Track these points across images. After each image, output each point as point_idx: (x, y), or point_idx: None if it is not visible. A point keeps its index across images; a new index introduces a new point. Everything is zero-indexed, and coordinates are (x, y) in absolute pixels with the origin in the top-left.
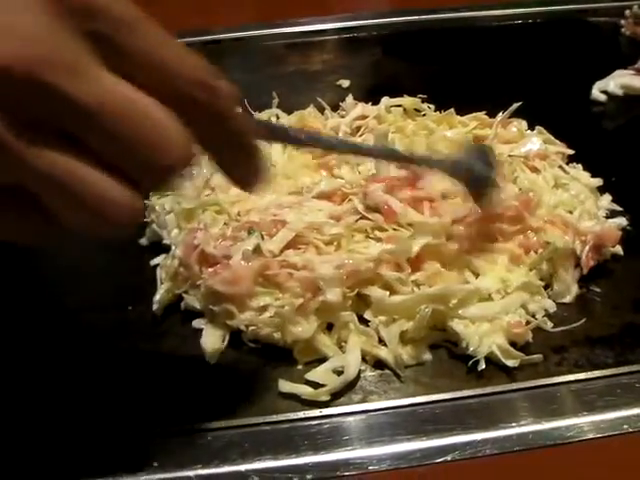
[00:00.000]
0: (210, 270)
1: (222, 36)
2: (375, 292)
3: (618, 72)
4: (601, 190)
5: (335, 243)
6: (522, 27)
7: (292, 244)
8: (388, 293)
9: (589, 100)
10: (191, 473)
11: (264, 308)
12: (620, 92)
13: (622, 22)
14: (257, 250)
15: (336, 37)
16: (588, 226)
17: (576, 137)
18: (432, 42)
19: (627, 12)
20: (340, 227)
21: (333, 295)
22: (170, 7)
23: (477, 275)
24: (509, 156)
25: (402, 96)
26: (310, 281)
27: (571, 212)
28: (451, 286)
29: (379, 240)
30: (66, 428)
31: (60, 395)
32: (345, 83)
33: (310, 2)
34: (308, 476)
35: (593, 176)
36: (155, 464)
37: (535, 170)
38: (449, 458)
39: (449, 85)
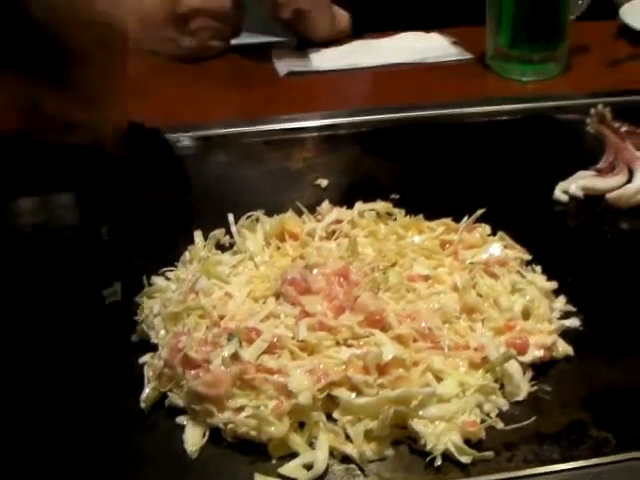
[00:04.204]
0: (192, 372)
1: (210, 132)
2: (343, 394)
3: (580, 173)
4: (558, 291)
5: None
6: (493, 124)
7: (269, 349)
8: (355, 395)
9: (553, 200)
10: None
11: (241, 409)
12: (580, 194)
13: (587, 120)
14: (235, 356)
15: (316, 134)
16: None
17: (537, 239)
18: (406, 139)
19: (592, 110)
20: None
21: (304, 398)
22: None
23: (438, 378)
24: (470, 263)
25: (377, 197)
26: (284, 385)
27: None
28: (412, 389)
29: (349, 346)
30: None
31: None
32: (323, 183)
33: (291, 99)
34: None
35: (551, 276)
36: None
37: (494, 276)
38: None
39: (421, 185)
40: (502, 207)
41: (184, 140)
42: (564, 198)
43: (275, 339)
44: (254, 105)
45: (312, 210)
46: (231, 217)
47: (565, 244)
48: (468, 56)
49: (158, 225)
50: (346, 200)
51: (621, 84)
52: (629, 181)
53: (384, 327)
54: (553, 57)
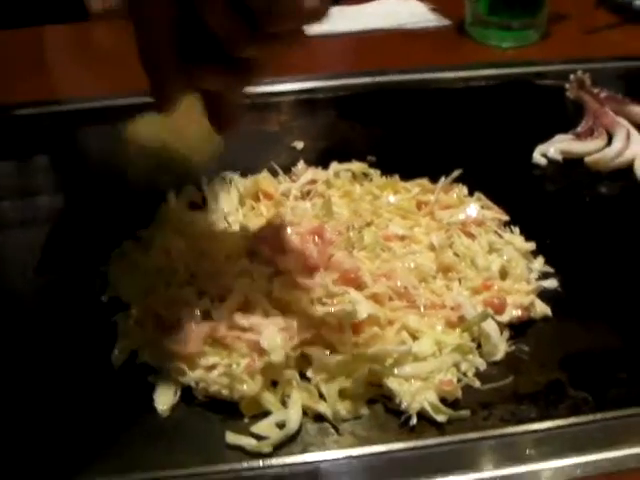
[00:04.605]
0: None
1: None
2: (317, 352)
3: (558, 137)
4: (536, 252)
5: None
6: (471, 90)
7: (241, 306)
8: (329, 352)
9: (531, 163)
10: None
11: (213, 367)
12: (559, 157)
13: (567, 86)
14: (207, 314)
15: (293, 98)
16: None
17: (515, 200)
18: (383, 104)
19: (571, 76)
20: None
21: (276, 356)
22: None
23: (414, 337)
24: (447, 223)
25: (352, 159)
26: (256, 342)
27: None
28: (387, 347)
29: (324, 304)
30: None
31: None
32: (299, 145)
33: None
34: None
35: (529, 238)
36: None
37: (471, 236)
38: None
39: (397, 147)
40: (480, 169)
41: None
42: (543, 161)
43: (248, 297)
44: None
45: (287, 171)
46: (204, 178)
47: (543, 207)
48: (446, 22)
49: (130, 187)
50: (322, 162)
51: (600, 52)
52: (608, 145)
53: (359, 286)
54: (532, 24)
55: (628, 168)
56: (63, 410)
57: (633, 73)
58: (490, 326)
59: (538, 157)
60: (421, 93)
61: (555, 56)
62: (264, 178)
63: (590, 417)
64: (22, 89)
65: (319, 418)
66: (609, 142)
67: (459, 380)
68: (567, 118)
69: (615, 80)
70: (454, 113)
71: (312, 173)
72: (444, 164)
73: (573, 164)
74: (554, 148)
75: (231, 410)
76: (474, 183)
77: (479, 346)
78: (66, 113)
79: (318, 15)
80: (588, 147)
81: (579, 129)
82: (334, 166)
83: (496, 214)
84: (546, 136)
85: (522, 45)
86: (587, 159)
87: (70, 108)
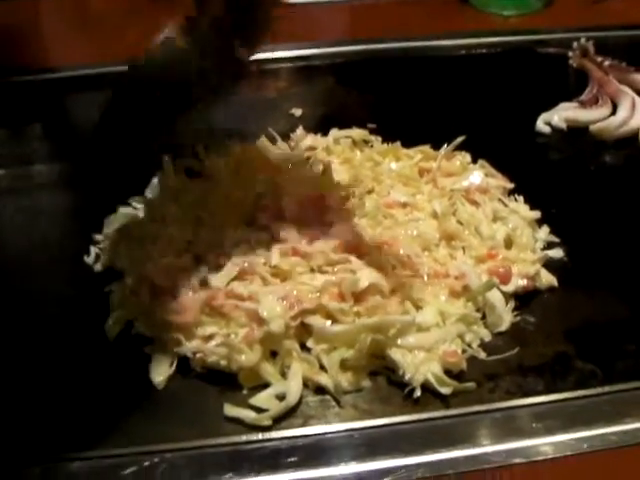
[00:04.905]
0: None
1: None
2: (317, 321)
3: (563, 105)
4: (541, 222)
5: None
6: (473, 57)
7: (239, 275)
8: (330, 322)
9: (535, 131)
10: None
11: (210, 337)
12: (563, 125)
13: (570, 54)
14: (204, 282)
15: (291, 65)
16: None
17: (519, 169)
18: (383, 71)
19: (574, 44)
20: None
21: (276, 326)
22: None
23: (418, 307)
24: (450, 190)
25: (352, 126)
26: (254, 312)
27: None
28: (390, 317)
29: (324, 272)
30: None
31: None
32: (297, 112)
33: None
34: None
35: (534, 207)
36: None
37: (475, 203)
38: None
39: (398, 115)
40: (483, 137)
41: None
42: (546, 129)
43: (246, 264)
44: None
45: (286, 138)
46: (201, 145)
47: (548, 175)
48: None
49: (128, 152)
50: (321, 129)
51: (603, 20)
52: (612, 114)
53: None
54: None
55: (633, 137)
56: (56, 383)
57: (636, 42)
58: (495, 296)
59: (542, 125)
60: (423, 60)
61: (558, 24)
62: (262, 144)
63: (598, 390)
64: (19, 57)
65: (320, 390)
66: (613, 111)
67: (464, 351)
68: (570, 87)
69: (618, 49)
70: (457, 81)
71: (311, 139)
72: (447, 131)
73: (577, 133)
74: (558, 116)
75: (229, 381)
76: (477, 151)
77: (484, 317)
78: (60, 80)
79: None
80: (593, 115)
81: (583, 97)
82: (334, 133)
83: (500, 182)
84: (549, 104)
85: (524, 13)
86: (592, 128)
87: (65, 75)
